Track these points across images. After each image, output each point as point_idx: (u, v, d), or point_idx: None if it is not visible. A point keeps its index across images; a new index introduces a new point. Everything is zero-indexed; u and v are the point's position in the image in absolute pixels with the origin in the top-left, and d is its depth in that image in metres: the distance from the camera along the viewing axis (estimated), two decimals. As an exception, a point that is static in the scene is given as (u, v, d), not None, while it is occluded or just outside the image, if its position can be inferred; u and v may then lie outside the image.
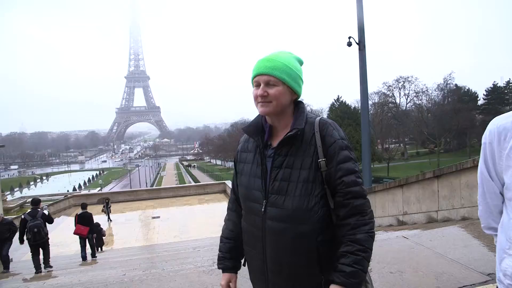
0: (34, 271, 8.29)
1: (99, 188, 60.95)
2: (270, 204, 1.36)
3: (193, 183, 49.85)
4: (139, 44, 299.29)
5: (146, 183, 63.83)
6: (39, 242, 8.24)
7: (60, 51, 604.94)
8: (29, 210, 8.61)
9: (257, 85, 1.39)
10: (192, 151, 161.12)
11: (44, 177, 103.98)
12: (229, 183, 28.24)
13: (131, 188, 48.03)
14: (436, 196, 5.73)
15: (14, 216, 21.52)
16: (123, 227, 19.66)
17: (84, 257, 10.30)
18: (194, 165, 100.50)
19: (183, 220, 20.60)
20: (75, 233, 10.32)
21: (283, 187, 1.34)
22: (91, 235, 10.75)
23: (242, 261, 1.61)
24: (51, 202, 27.98)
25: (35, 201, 8.83)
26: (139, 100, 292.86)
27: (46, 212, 8.76)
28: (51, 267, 8.57)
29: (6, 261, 9.26)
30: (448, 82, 61.14)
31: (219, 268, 1.61)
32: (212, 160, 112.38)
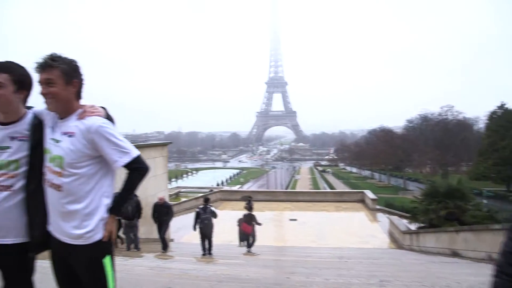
0: (194, 253, 9.82)
1: (240, 185, 65.68)
2: None
3: (329, 190, 49.43)
4: (278, 52, 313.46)
5: (281, 185, 66.12)
6: (207, 231, 9.87)
7: (210, 64, 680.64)
8: (200, 206, 10.31)
9: None
10: (326, 157, 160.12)
11: (194, 171, 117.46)
12: (368, 193, 27.02)
13: (267, 188, 50.40)
14: None
15: (174, 203, 25.00)
16: (263, 225, 20.57)
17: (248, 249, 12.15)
18: (329, 171, 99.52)
19: (320, 225, 20.48)
20: (242, 229, 12.39)
21: None
22: (253, 233, 12.39)
23: None
24: (201, 195, 31.45)
25: (206, 199, 10.64)
26: (277, 105, 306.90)
27: (213, 208, 10.36)
28: (211, 254, 9.92)
29: (166, 242, 10.64)
30: None
31: None
32: (347, 167, 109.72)
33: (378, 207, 24.93)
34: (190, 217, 20.43)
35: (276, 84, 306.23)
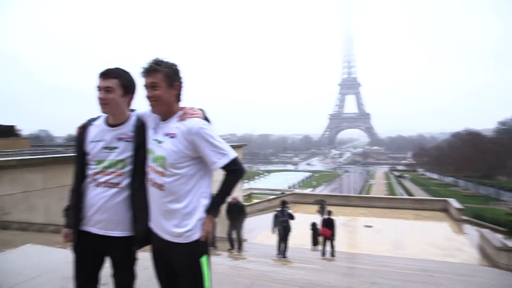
0: (267, 254, 10.14)
1: (312, 189, 64.81)
2: None
3: (406, 196, 46.68)
4: (351, 52, 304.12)
5: (354, 190, 63.84)
6: (285, 233, 10.25)
7: (282, 67, 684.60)
8: (278, 209, 10.72)
9: None
10: (403, 161, 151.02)
11: (265, 173, 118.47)
12: (452, 201, 24.95)
13: (341, 192, 49.06)
14: None
15: (247, 204, 25.50)
16: (337, 230, 20.05)
17: (322, 253, 12.36)
18: (406, 176, 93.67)
19: (397, 234, 19.39)
20: (320, 233, 12.66)
21: None
22: (333, 237, 12.56)
23: None
24: (273, 197, 31.69)
25: (283, 202, 10.93)
26: (350, 107, 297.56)
27: (290, 211, 10.73)
28: (285, 257, 10.12)
29: (240, 242, 10.82)
30: None
31: None
32: (426, 173, 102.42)
33: (464, 217, 22.81)
34: (263, 218, 20.82)
35: (349, 86, 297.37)
